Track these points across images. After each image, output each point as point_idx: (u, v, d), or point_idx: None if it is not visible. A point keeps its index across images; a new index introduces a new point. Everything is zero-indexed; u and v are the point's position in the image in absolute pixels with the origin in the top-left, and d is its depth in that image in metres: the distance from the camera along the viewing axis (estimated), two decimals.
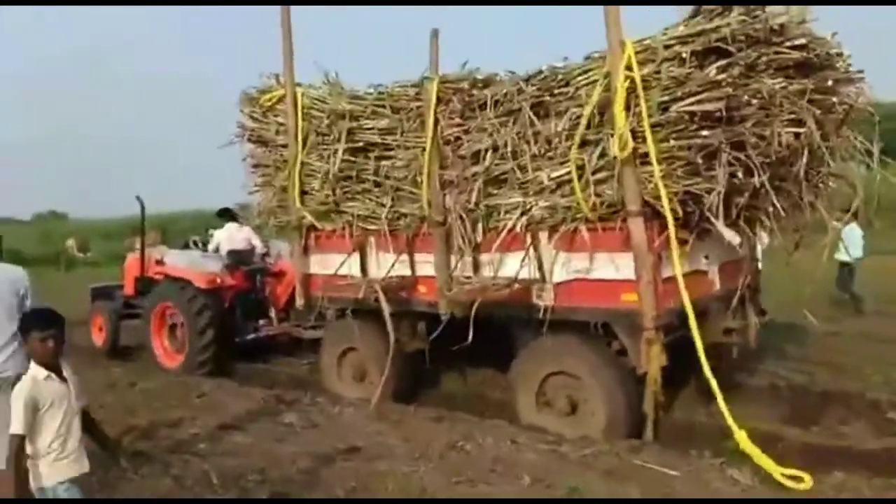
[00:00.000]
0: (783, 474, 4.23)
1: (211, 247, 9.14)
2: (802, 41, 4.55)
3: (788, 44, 4.49)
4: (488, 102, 5.38)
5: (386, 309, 5.93)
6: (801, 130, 4.50)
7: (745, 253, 5.73)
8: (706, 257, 5.41)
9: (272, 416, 5.98)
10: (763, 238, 5.51)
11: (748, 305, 5.90)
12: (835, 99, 4.86)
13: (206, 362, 8.18)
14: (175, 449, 5.15)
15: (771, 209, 4.81)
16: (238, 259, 8.91)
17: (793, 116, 4.57)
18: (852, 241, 9.61)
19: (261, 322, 8.94)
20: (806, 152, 4.67)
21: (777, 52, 4.42)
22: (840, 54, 4.93)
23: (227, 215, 9.29)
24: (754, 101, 4.33)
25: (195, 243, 9.49)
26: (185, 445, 5.25)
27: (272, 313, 9.05)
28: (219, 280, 8.48)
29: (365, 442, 5.19)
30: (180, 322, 8.46)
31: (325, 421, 5.83)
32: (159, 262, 9.06)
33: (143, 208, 9.66)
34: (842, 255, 9.49)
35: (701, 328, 5.18)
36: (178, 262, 8.78)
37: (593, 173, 4.86)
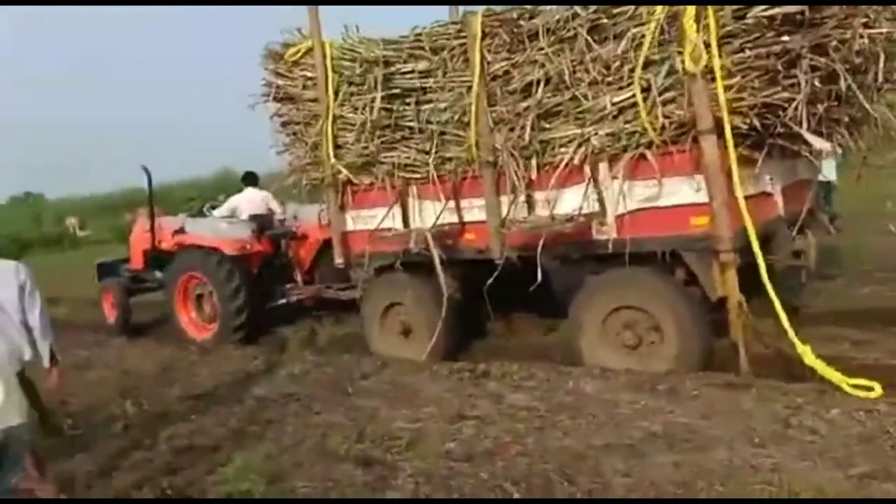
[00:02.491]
0: (851, 384, 4.16)
1: (221, 211, 8.90)
2: None
3: None
4: (540, 31, 5.16)
5: (438, 258, 5.73)
6: (881, 31, 4.32)
7: (808, 173, 5.59)
8: (770, 178, 5.25)
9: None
10: (837, 151, 5.33)
11: (811, 227, 5.75)
12: None
13: (241, 327, 7.98)
14: None
15: (846, 119, 4.64)
16: (262, 224, 8.69)
17: (866, 20, 4.40)
18: None
19: (288, 286, 8.72)
20: (882, 57, 4.49)
21: None
22: None
23: (249, 180, 9.06)
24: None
25: (211, 208, 9.23)
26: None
27: (298, 277, 8.85)
28: (247, 246, 8.25)
29: (653, 425, 4.05)
30: (208, 291, 8.24)
31: (571, 399, 4.68)
32: (178, 232, 8.78)
33: (149, 179, 9.32)
34: None
35: (771, 251, 5.06)
36: (202, 229, 8.52)
37: (660, 94, 4.67)
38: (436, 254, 5.73)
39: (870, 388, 4.11)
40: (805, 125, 4.30)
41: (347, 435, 4.44)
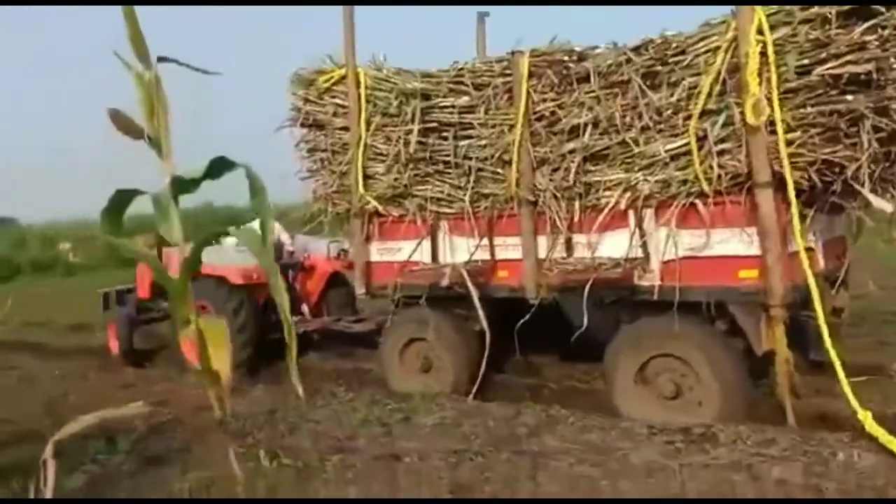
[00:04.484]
0: None
1: (231, 240, 8.70)
2: None
3: None
4: (591, 74, 5.15)
5: (475, 294, 5.63)
6: None
7: (843, 230, 5.61)
8: (813, 234, 5.26)
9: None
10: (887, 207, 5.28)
11: (843, 284, 5.77)
12: None
13: (244, 362, 7.74)
14: None
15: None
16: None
17: None
18: None
19: (295, 318, 8.54)
20: None
21: None
22: None
23: None
24: None
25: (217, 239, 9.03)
26: None
27: (304, 309, 8.68)
28: (255, 276, 8.05)
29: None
30: None
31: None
32: None
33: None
34: None
35: (811, 308, 5.05)
36: (210, 258, 8.31)
37: (715, 143, 4.67)
38: (473, 290, 5.63)
39: None
40: (867, 185, 4.31)
41: None
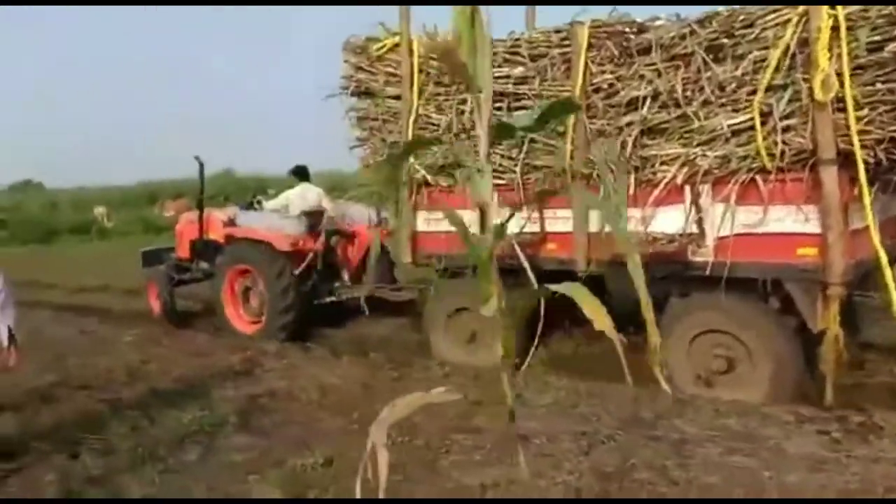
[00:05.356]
0: None
1: (273, 205, 8.79)
2: None
3: None
4: (653, 46, 5.10)
5: (528, 265, 5.64)
6: None
7: None
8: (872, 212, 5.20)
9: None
10: None
11: None
12: None
13: (287, 326, 7.85)
14: None
15: None
16: (313, 220, 8.58)
17: None
18: None
19: (336, 285, 8.63)
20: None
21: None
22: None
23: (300, 175, 8.95)
24: None
25: (259, 203, 9.12)
26: None
27: (345, 276, 8.77)
28: (300, 242, 8.14)
29: None
30: (257, 286, 8.12)
31: None
32: (229, 224, 8.66)
33: (202, 169, 9.33)
34: None
35: (868, 287, 5.02)
36: (255, 223, 8.40)
37: (780, 119, 4.62)
38: (524, 260, 5.63)
39: None
40: None
41: None
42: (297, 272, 7.98)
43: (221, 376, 6.16)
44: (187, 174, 23.96)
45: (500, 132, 2.77)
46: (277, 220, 8.36)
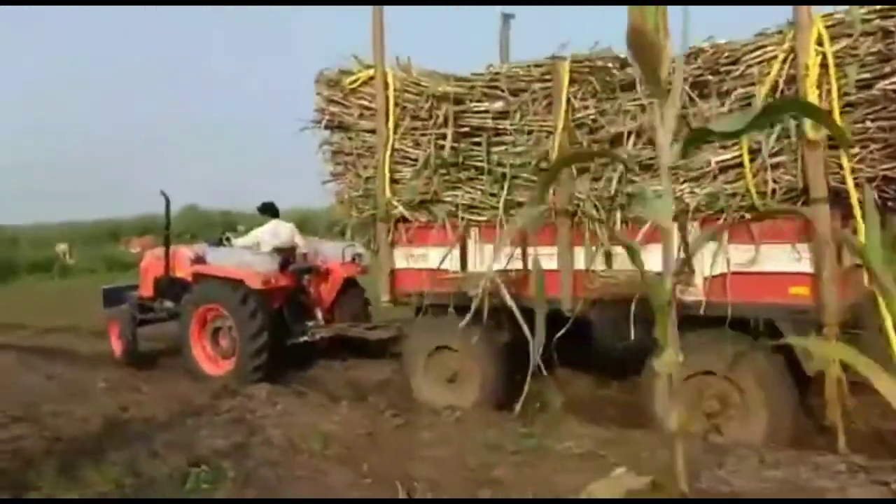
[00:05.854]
0: None
1: (243, 241, 8.52)
2: None
3: None
4: (637, 82, 5.00)
5: (513, 304, 5.46)
6: None
7: None
8: None
9: None
10: None
11: None
12: None
13: (260, 367, 7.55)
14: None
15: None
16: (286, 257, 8.34)
17: None
18: None
19: (309, 324, 8.38)
20: None
21: None
22: None
23: (270, 211, 8.71)
24: None
25: (227, 240, 8.84)
26: None
27: (318, 314, 8.53)
28: (272, 280, 7.87)
29: None
30: (227, 325, 7.82)
31: None
32: (197, 261, 8.36)
33: (168, 204, 9.05)
34: None
35: (861, 326, 4.94)
36: (226, 260, 8.12)
37: (770, 156, 4.53)
38: (509, 299, 5.45)
39: None
40: None
41: None
42: (270, 312, 7.73)
43: (210, 425, 5.75)
44: (150, 210, 23.52)
45: (696, 138, 2.52)
46: (249, 257, 8.08)
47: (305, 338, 8.19)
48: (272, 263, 7.98)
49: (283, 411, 6.05)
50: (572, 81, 5.29)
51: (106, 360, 8.93)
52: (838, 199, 4.43)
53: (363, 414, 5.88)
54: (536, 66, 5.52)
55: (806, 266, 4.59)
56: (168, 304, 8.87)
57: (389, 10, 6.26)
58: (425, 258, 6.29)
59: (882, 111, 4.20)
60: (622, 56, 5.17)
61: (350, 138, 6.56)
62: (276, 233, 8.49)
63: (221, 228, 10.48)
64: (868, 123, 4.24)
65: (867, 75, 4.20)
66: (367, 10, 6.30)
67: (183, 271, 8.57)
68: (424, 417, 5.71)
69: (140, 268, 9.51)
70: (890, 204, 4.44)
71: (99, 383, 7.33)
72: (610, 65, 5.16)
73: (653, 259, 5.10)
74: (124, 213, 31.83)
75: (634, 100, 5.05)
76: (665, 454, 4.29)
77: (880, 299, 4.23)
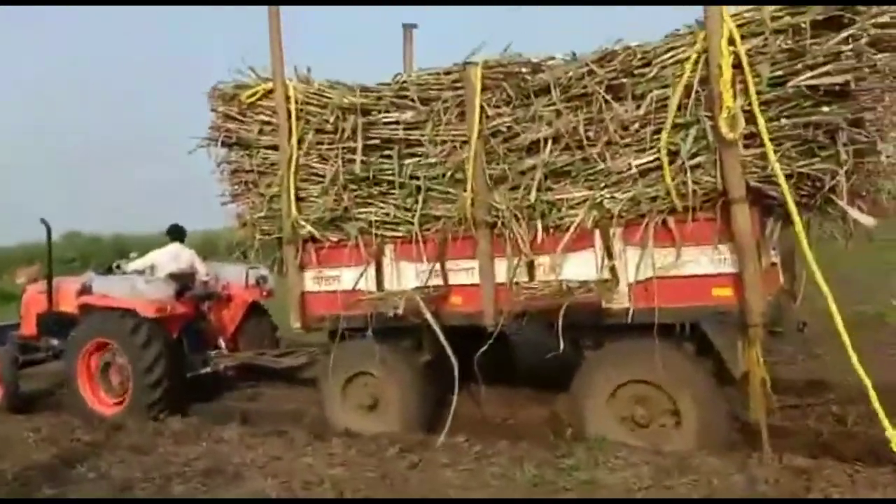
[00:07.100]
0: None
1: (136, 265, 7.87)
2: None
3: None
4: (552, 87, 4.86)
5: (436, 324, 5.21)
6: None
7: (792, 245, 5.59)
8: (774, 249, 5.18)
9: None
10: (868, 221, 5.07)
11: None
12: None
13: (156, 403, 6.92)
14: None
15: (866, 194, 4.64)
16: (183, 283, 7.74)
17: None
18: None
19: (211, 353, 7.80)
20: None
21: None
22: None
23: (176, 234, 8.11)
24: (873, 75, 4.13)
25: (118, 267, 8.13)
26: None
27: (221, 343, 7.98)
28: (168, 308, 7.27)
29: None
30: (117, 360, 7.16)
31: None
32: (83, 292, 7.63)
33: (49, 233, 8.28)
34: None
35: (779, 323, 4.96)
36: (114, 288, 7.43)
37: (688, 158, 4.48)
38: (431, 318, 5.20)
39: None
40: (846, 200, 4.22)
41: None
42: (167, 341, 7.13)
43: (183, 477, 4.90)
44: (31, 238, 21.72)
45: None
46: (140, 284, 7.43)
47: (208, 369, 7.62)
48: (167, 290, 7.37)
49: (267, 456, 5.24)
50: (485, 88, 5.11)
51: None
52: (758, 198, 4.41)
53: (359, 451, 5.20)
54: (447, 73, 5.32)
55: (727, 266, 4.55)
56: (53, 342, 8.09)
57: (287, 15, 5.88)
58: (338, 279, 5.94)
59: (796, 108, 4.20)
60: (535, 60, 5.04)
61: (250, 155, 6.14)
62: (175, 256, 7.90)
63: (114, 255, 9.66)
64: (783, 121, 4.23)
65: (780, 73, 4.20)
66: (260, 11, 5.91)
67: (68, 304, 7.83)
68: (439, 454, 5.00)
69: (22, 303, 8.65)
70: (805, 201, 4.45)
71: (23, 433, 6.34)
72: (523, 70, 5.01)
73: (576, 267, 5.08)
74: (7, 241, 29.17)
75: (549, 105, 4.91)
76: (741, 480, 4.06)
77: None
